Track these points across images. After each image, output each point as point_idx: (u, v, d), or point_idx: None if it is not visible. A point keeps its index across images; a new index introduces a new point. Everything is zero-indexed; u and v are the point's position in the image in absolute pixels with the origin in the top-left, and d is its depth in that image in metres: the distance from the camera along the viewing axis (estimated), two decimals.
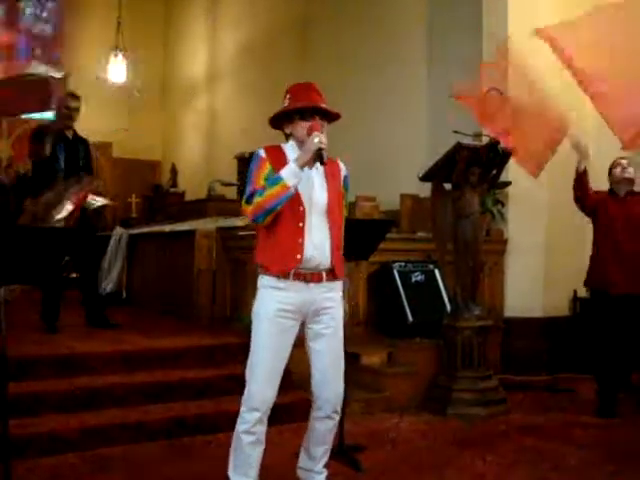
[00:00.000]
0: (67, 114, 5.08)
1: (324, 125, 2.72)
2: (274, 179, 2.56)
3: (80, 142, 5.21)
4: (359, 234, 3.48)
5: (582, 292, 5.73)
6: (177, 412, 3.84)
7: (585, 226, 5.77)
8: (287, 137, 2.80)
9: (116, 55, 10.68)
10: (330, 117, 2.78)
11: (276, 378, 2.68)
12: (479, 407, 4.32)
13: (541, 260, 5.61)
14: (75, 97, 5.13)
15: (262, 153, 2.70)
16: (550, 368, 5.40)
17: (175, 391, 4.05)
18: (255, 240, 2.80)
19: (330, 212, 2.71)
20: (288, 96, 2.75)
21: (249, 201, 2.60)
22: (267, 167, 2.65)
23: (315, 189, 2.69)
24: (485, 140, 4.59)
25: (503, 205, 5.66)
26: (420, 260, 5.31)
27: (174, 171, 11.74)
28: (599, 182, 5.10)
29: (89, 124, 5.98)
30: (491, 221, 5.64)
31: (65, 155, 5.04)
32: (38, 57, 11.90)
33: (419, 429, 4.06)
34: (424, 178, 4.67)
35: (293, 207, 2.62)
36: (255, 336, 2.69)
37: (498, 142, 4.45)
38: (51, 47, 11.79)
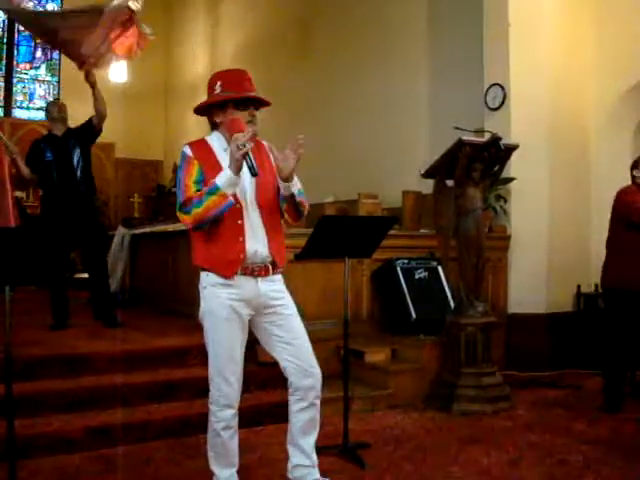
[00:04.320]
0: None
1: (255, 114, 2.63)
2: (211, 188, 2.45)
3: (71, 136, 5.14)
4: (362, 231, 3.48)
5: (585, 288, 5.73)
6: (181, 411, 3.84)
7: (587, 222, 5.79)
8: (214, 126, 2.71)
9: None
10: (260, 104, 2.69)
11: (241, 373, 2.67)
12: (483, 403, 4.31)
13: (544, 256, 5.59)
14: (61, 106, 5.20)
15: (188, 151, 2.60)
16: (554, 364, 5.38)
17: (179, 390, 4.05)
18: (191, 241, 2.70)
19: (264, 202, 2.64)
20: (219, 83, 2.63)
21: (186, 211, 2.49)
22: (195, 168, 2.56)
23: (247, 182, 2.60)
24: (487, 136, 4.58)
25: (506, 201, 5.64)
26: (423, 257, 5.29)
27: (176, 171, 11.75)
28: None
29: None
30: (494, 217, 5.62)
31: (54, 156, 5.05)
32: (38, 58, 11.97)
33: (423, 426, 4.06)
34: (426, 175, 4.67)
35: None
36: (214, 336, 2.63)
37: (500, 138, 4.44)
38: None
